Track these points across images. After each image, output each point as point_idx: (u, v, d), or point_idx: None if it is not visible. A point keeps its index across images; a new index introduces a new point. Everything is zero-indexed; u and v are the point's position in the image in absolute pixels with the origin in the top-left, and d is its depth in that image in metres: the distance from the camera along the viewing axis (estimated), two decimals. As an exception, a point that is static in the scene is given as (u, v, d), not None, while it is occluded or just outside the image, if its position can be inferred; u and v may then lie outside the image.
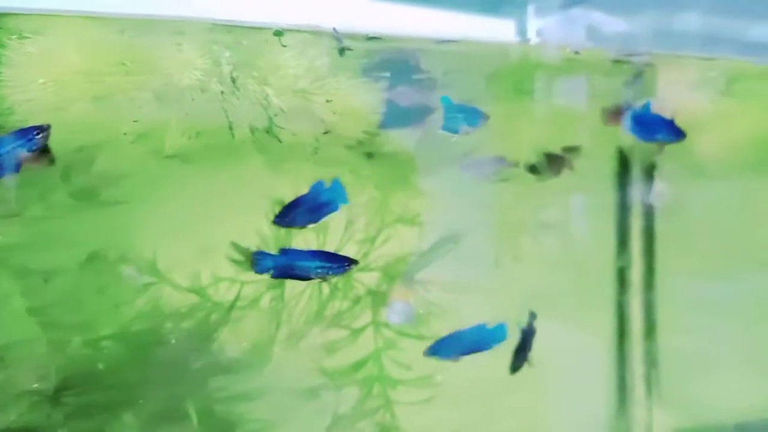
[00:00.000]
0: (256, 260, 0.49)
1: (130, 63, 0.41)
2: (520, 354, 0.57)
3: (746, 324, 0.81)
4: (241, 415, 0.56)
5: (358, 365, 0.59)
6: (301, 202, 0.47)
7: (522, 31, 0.71)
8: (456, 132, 0.52)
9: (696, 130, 0.63)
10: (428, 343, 0.60)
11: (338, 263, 0.49)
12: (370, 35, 0.47)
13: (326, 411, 0.59)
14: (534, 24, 0.73)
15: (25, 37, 0.43)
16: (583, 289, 0.75)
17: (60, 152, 0.43)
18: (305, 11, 0.45)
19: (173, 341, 0.52)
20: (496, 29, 0.71)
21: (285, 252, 0.49)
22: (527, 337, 0.58)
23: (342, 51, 0.46)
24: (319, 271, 0.49)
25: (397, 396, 0.60)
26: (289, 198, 0.53)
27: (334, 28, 0.45)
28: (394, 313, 0.57)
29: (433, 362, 0.61)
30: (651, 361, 0.83)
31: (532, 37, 0.72)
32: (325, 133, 0.48)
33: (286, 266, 0.49)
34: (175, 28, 0.42)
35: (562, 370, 0.75)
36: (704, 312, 0.83)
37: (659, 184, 0.74)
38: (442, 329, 0.59)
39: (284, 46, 0.43)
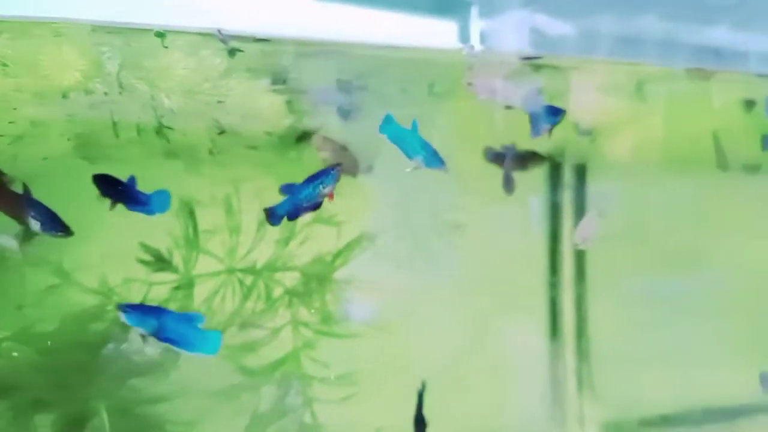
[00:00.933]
0: (270, 215, 0.50)
1: (11, 64, 0.41)
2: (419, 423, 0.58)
3: (672, 319, 0.84)
4: (158, 417, 0.56)
5: (277, 364, 0.59)
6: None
7: (465, 35, 0.72)
8: (411, 159, 0.52)
9: (608, 132, 0.64)
10: (347, 342, 0.60)
11: (329, 173, 0.49)
12: (259, 37, 0.47)
13: (245, 411, 0.59)
14: (475, 26, 0.73)
15: None
16: (514, 287, 0.76)
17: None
18: (207, 13, 0.44)
19: (83, 343, 0.52)
20: (437, 32, 0.72)
21: (287, 191, 0.50)
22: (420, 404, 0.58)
23: (232, 52, 0.46)
24: (321, 187, 0.49)
25: (317, 394, 0.61)
26: (198, 197, 0.53)
27: (219, 30, 0.45)
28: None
29: (353, 361, 0.62)
30: (582, 355, 0.85)
31: (476, 40, 0.73)
32: (220, 133, 0.48)
33: (296, 204, 0.49)
34: (56, 29, 0.41)
35: (495, 365, 0.76)
36: (633, 308, 0.85)
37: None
38: (360, 328, 0.60)
39: (165, 47, 0.43)
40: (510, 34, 0.74)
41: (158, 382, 0.55)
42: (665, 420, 0.85)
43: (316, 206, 0.49)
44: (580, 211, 0.79)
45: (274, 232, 0.56)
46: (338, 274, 0.58)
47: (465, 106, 0.57)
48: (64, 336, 0.51)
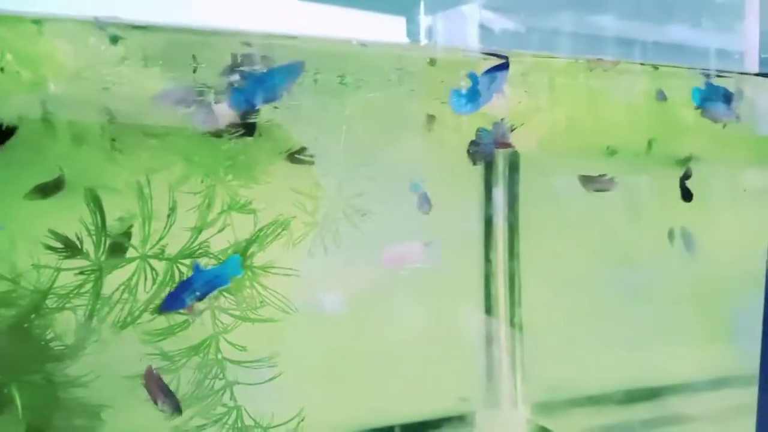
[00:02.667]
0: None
1: None
2: None
3: (604, 303, 0.86)
4: (74, 401, 0.56)
5: (196, 348, 0.60)
6: None
7: (414, 30, 0.72)
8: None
9: (519, 124, 0.66)
10: (266, 327, 0.62)
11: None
12: (138, 24, 0.47)
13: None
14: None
15: None
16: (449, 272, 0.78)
17: None
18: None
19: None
20: (386, 27, 0.73)
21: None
22: None
23: (115, 39, 0.46)
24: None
25: (238, 377, 0.62)
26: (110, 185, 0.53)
27: (96, 17, 0.45)
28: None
29: (273, 345, 0.63)
30: (515, 337, 0.87)
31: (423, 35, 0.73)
32: (110, 121, 0.48)
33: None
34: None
35: (423, 347, 0.78)
36: (566, 292, 0.87)
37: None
38: (276, 313, 0.61)
39: (42, 34, 0.43)
40: (458, 30, 0.75)
41: (73, 367, 0.56)
42: (593, 401, 0.88)
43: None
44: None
45: (188, 220, 0.57)
46: (254, 261, 0.59)
47: (381, 96, 0.58)
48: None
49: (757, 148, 0.81)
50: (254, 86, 0.52)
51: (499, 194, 0.81)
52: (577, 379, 0.87)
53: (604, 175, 0.73)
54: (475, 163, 0.68)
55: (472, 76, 0.64)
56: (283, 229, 0.58)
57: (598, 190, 0.74)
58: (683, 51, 0.78)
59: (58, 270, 0.51)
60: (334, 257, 0.60)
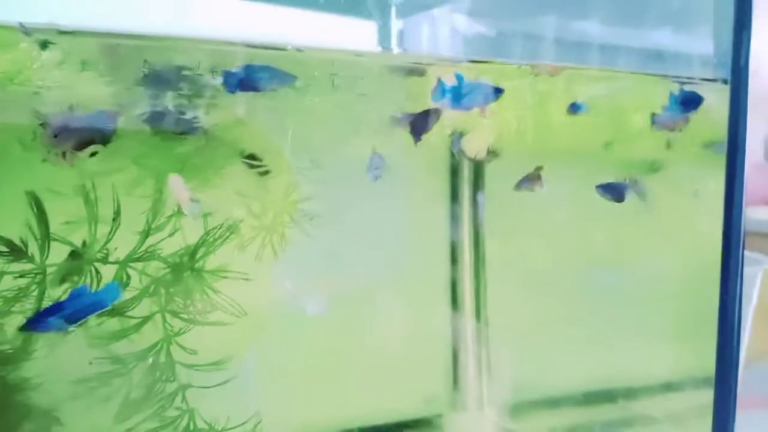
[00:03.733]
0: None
1: None
2: None
3: (566, 304, 0.87)
4: (19, 404, 0.57)
5: (146, 352, 0.60)
6: None
7: (384, 36, 0.72)
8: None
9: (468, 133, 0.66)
10: (217, 330, 0.62)
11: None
12: (63, 29, 0.47)
13: (114, 398, 0.60)
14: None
15: None
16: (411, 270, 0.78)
17: None
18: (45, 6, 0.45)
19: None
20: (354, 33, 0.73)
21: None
22: None
23: (44, 45, 0.46)
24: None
25: (190, 381, 0.62)
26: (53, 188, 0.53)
27: (20, 23, 0.45)
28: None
29: (226, 347, 0.63)
30: (481, 339, 0.87)
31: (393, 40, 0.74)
32: (41, 125, 0.48)
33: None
34: None
35: (390, 347, 0.78)
36: (533, 293, 0.87)
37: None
38: (228, 317, 0.61)
39: None
40: (430, 35, 0.75)
41: (19, 370, 0.56)
42: (549, 403, 0.88)
43: None
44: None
45: (136, 224, 0.57)
46: (203, 264, 0.59)
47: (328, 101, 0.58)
48: None
49: (706, 153, 0.81)
50: None
51: (464, 196, 0.81)
52: (543, 380, 0.88)
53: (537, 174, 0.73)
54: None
55: (459, 77, 0.64)
56: (231, 233, 0.58)
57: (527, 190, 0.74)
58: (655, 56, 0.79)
59: (2, 273, 0.52)
60: (285, 260, 0.60)
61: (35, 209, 0.51)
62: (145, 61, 0.50)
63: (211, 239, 0.58)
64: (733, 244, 0.72)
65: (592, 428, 0.86)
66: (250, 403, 0.65)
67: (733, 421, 0.76)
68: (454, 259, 0.84)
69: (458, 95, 0.66)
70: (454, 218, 0.82)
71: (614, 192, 0.77)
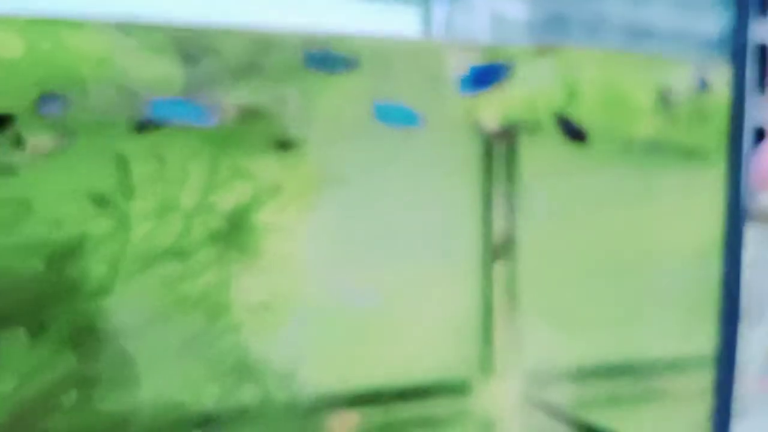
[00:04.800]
0: None
1: None
2: None
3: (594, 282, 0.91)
4: (100, 330, 0.68)
5: (206, 294, 0.70)
6: None
7: (427, 22, 0.81)
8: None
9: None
10: (270, 275, 0.71)
11: None
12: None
13: (178, 335, 0.70)
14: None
15: None
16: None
17: None
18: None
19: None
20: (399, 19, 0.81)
21: None
22: None
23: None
24: None
25: (245, 322, 0.72)
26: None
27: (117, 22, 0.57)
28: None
29: (283, 291, 0.72)
30: (511, 309, 0.92)
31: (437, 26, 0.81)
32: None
33: None
34: None
35: (421, 313, 0.84)
36: (560, 266, 0.92)
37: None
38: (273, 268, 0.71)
39: None
40: (470, 20, 0.83)
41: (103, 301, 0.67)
42: (587, 373, 0.92)
43: None
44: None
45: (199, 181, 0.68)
46: (257, 218, 0.70)
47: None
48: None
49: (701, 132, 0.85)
50: None
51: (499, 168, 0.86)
52: (572, 350, 0.91)
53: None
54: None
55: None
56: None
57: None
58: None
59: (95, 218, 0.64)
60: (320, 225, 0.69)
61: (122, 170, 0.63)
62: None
63: (263, 197, 0.68)
64: (735, 223, 0.75)
65: (613, 399, 0.89)
66: (293, 349, 0.74)
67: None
68: (488, 233, 0.89)
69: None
70: (488, 188, 0.87)
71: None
